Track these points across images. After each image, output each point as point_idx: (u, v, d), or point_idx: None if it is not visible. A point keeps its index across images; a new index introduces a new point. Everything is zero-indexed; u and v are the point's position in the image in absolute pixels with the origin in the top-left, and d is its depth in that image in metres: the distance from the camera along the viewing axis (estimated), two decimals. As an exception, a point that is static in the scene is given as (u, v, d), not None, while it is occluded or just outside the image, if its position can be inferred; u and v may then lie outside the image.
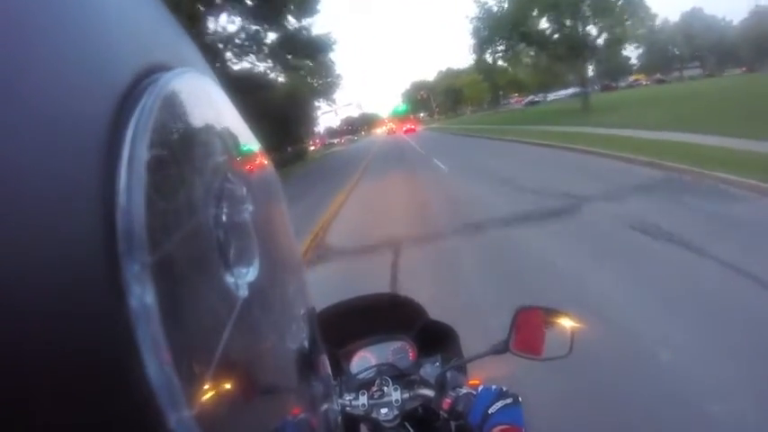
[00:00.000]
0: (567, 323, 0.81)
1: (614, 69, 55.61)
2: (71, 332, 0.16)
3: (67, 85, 0.18)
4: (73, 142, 0.18)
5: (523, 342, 0.83)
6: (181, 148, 0.24)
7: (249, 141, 0.36)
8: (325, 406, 0.44)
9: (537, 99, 55.65)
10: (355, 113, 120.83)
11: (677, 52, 51.75)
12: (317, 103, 34.82)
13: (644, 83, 55.71)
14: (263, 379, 0.30)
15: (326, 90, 34.01)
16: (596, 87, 58.53)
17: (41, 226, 0.15)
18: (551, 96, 53.93)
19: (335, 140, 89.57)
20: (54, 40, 0.18)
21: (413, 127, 57.81)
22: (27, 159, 0.15)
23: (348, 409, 0.87)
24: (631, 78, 58.90)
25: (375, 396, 0.87)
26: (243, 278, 0.27)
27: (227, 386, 0.23)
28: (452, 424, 0.87)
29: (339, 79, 35.22)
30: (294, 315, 0.40)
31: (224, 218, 0.27)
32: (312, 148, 55.70)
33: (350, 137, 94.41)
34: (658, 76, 57.37)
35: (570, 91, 55.24)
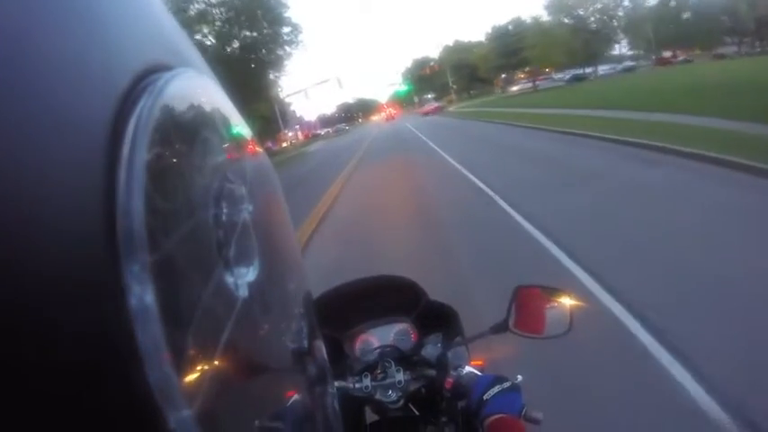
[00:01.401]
0: (565, 301, 0.82)
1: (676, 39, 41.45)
2: (71, 332, 0.16)
3: (67, 85, 0.18)
4: (73, 142, 0.18)
5: (523, 321, 0.84)
6: (180, 147, 0.24)
7: (249, 141, 0.36)
8: (321, 391, 0.44)
9: (583, 73, 41.70)
10: (350, 99, 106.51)
11: (729, 23, 37.88)
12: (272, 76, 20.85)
13: (680, 58, 41.92)
14: (263, 379, 0.31)
15: (271, 52, 20.03)
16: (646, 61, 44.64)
17: (41, 226, 0.15)
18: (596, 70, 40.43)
19: (323, 131, 74.14)
20: (53, 40, 0.18)
21: (432, 107, 45.28)
22: (27, 159, 0.15)
23: (352, 391, 0.88)
24: (667, 54, 45.05)
25: (378, 378, 0.88)
26: (243, 278, 0.27)
27: (227, 386, 0.23)
28: (456, 404, 0.87)
29: (296, 35, 21.27)
30: (294, 314, 0.40)
31: (224, 218, 0.27)
32: (285, 144, 41.28)
33: (341, 126, 78.05)
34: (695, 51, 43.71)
35: (608, 66, 41.80)
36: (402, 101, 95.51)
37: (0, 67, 0.15)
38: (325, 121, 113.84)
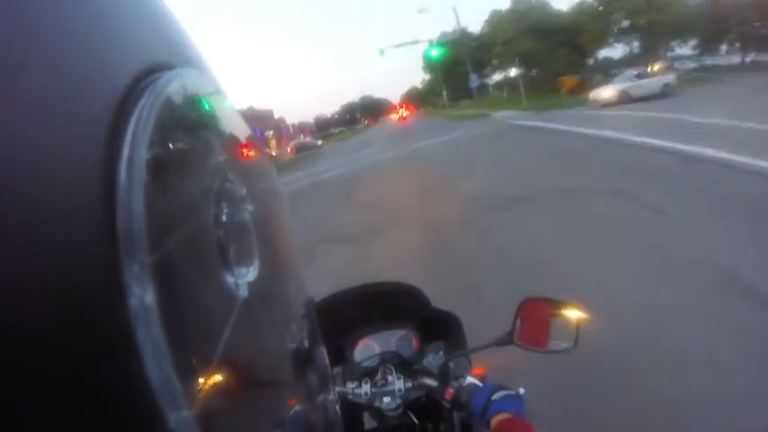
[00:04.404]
0: (572, 314, 0.81)
1: None
2: (71, 332, 0.16)
3: (68, 84, 0.18)
4: (73, 142, 0.18)
5: (528, 334, 0.83)
6: (181, 147, 0.24)
7: (249, 141, 0.36)
8: (322, 397, 0.45)
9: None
10: (356, 98, 76.97)
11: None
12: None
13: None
14: (263, 379, 0.31)
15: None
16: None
17: (41, 225, 0.16)
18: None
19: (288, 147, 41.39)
20: (54, 40, 0.18)
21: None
22: (27, 159, 0.16)
23: (351, 397, 0.89)
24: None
25: (378, 384, 0.89)
26: (243, 278, 0.27)
27: (227, 386, 0.23)
28: (455, 414, 0.88)
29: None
30: (294, 314, 0.40)
31: (224, 218, 0.27)
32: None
33: (308, 141, 44.99)
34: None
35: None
36: (420, 99, 66.34)
37: (1, 67, 0.15)
38: (324, 125, 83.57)
